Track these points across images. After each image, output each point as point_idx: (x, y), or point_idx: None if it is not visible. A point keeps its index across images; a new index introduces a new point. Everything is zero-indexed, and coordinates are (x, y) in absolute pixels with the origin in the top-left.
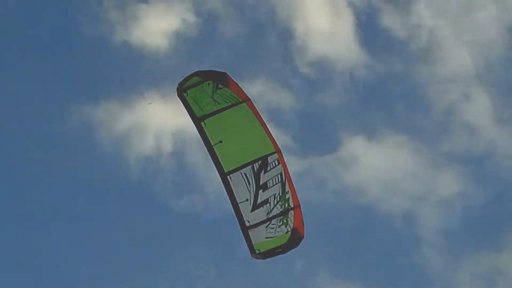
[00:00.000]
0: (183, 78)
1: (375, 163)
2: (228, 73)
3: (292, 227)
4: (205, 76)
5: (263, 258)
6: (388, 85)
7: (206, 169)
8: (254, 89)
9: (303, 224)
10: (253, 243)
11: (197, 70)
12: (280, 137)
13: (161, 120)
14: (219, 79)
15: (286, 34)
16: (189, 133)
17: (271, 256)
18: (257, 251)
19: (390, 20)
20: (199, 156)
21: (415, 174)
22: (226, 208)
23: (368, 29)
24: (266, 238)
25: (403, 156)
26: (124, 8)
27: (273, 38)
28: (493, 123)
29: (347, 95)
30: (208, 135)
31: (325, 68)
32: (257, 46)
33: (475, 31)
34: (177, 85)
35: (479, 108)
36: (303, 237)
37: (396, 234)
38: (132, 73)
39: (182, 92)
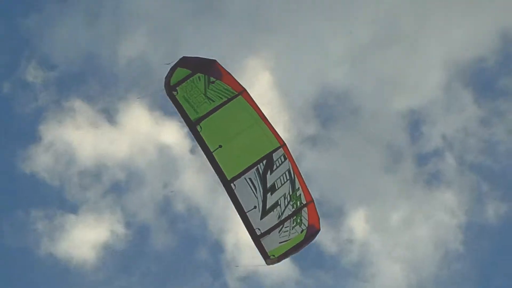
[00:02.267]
0: (169, 70)
1: None
2: (217, 61)
3: (307, 225)
4: (192, 66)
5: (279, 261)
6: None
7: None
8: None
9: (319, 218)
10: (267, 250)
11: (183, 57)
12: None
13: None
14: (209, 69)
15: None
16: None
17: (287, 257)
18: (272, 257)
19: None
20: None
21: None
22: None
23: None
24: (280, 243)
25: None
26: (52, 219)
27: (204, 251)
28: None
29: None
30: (205, 141)
31: (255, 282)
32: (187, 259)
33: (408, 248)
34: (164, 79)
35: None
36: (319, 229)
37: None
38: (56, 287)
39: (171, 90)
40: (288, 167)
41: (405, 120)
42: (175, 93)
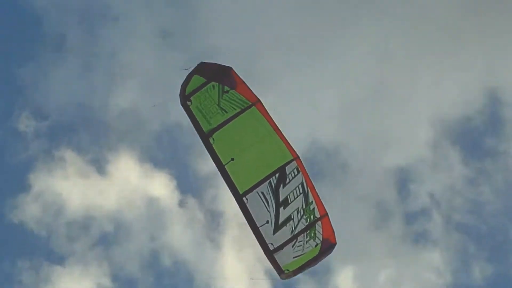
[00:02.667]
0: (186, 76)
1: None
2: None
3: (321, 239)
4: (208, 73)
5: (294, 275)
6: None
7: None
8: None
9: (333, 231)
10: (281, 265)
11: (201, 63)
12: None
13: None
14: (224, 77)
15: None
16: None
17: (302, 271)
18: (286, 271)
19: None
20: None
21: None
22: None
23: None
24: (294, 257)
25: None
26: (39, 270)
27: None
28: None
29: None
30: (218, 154)
31: None
32: None
33: None
34: (179, 89)
35: None
36: (335, 243)
37: None
38: None
39: (185, 100)
40: (301, 181)
41: (394, 178)
42: (189, 103)
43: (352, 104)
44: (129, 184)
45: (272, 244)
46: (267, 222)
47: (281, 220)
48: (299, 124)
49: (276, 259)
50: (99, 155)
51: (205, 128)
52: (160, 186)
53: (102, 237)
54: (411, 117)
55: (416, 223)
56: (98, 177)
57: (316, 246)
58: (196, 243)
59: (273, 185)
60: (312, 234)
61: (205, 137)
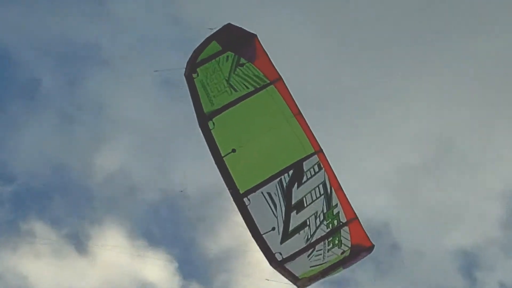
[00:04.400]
0: (204, 39)
1: None
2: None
3: (350, 246)
4: (228, 40)
5: (313, 282)
6: None
7: None
8: None
9: (366, 235)
10: (297, 275)
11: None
12: None
13: None
14: (244, 47)
15: None
16: None
17: (324, 277)
18: (302, 279)
19: None
20: None
21: None
22: None
23: None
24: (311, 267)
25: None
26: None
27: None
28: None
29: None
30: (216, 141)
31: None
32: None
33: None
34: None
35: None
36: (372, 246)
37: None
38: None
39: (192, 70)
40: (323, 179)
41: (456, 263)
42: (194, 75)
43: (409, 171)
44: (116, 267)
45: (280, 253)
46: (273, 229)
47: (292, 226)
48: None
49: (288, 268)
50: (78, 228)
51: (206, 108)
52: (156, 270)
53: None
54: (480, 189)
55: None
56: (76, 256)
57: (342, 253)
58: None
59: (285, 185)
60: (336, 241)
61: (204, 119)
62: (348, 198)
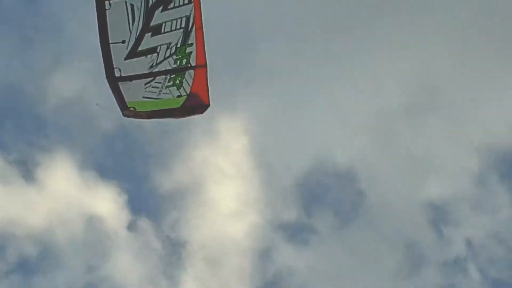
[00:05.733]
0: None
1: None
2: None
3: (188, 92)
4: None
5: (140, 118)
6: None
7: None
8: None
9: (208, 90)
10: (126, 100)
11: None
12: None
13: None
14: None
15: None
16: None
17: (150, 118)
18: (131, 109)
19: None
20: None
21: None
22: None
23: None
24: (144, 97)
25: None
26: None
27: None
28: None
29: None
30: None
31: None
32: None
33: None
34: None
35: None
36: (207, 104)
37: None
38: None
39: None
40: (188, 14)
41: (424, 216)
42: None
43: (389, 116)
44: (64, 196)
45: (119, 69)
46: (123, 42)
47: (142, 47)
48: (311, 136)
49: (121, 90)
50: (27, 155)
51: None
52: (105, 202)
53: (22, 262)
54: (459, 142)
55: (448, 277)
56: (23, 183)
57: (178, 97)
58: (147, 279)
59: (150, 3)
60: (177, 82)
61: None
62: (205, 43)
